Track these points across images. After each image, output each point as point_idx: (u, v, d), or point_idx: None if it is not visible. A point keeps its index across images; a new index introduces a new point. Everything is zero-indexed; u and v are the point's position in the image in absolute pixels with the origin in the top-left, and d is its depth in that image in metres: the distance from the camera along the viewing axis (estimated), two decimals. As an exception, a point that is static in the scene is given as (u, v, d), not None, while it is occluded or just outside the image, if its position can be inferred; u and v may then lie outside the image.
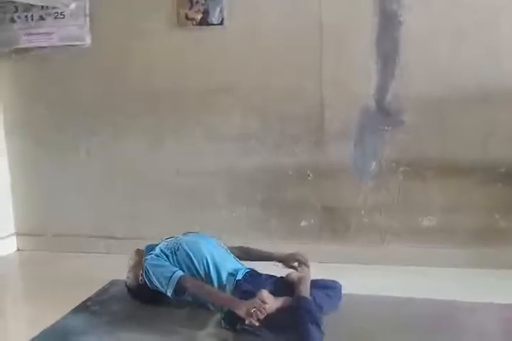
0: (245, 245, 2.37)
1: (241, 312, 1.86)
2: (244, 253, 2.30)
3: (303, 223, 2.80)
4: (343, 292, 2.17)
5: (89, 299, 2.37)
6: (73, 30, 2.91)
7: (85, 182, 3.07)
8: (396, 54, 2.59)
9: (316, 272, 2.19)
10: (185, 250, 2.16)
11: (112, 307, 2.26)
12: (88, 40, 2.90)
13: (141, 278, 2.19)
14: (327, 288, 2.12)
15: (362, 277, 2.42)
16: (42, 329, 2.06)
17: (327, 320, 1.91)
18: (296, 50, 2.67)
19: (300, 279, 2.06)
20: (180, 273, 2.07)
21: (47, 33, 2.95)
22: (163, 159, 2.93)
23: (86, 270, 2.73)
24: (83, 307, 2.28)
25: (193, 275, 2.11)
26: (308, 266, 2.18)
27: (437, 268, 2.51)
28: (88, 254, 2.98)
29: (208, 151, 2.86)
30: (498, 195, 2.58)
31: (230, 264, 2.15)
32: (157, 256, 2.16)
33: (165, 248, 2.21)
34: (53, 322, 2.13)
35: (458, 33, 2.51)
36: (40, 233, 3.15)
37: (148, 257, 2.17)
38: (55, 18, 2.92)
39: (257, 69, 2.72)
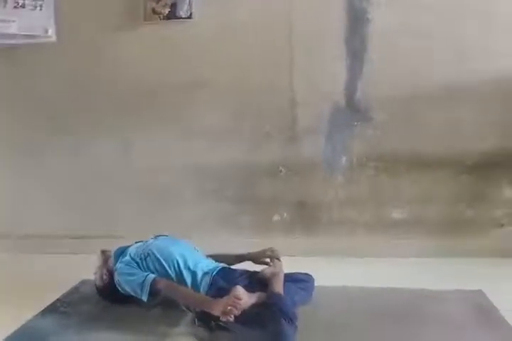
0: (214, 251, 2.31)
1: (217, 311, 1.84)
2: (214, 260, 2.26)
3: (275, 218, 2.82)
4: (316, 284, 2.18)
5: (59, 300, 2.33)
6: (36, 20, 2.80)
7: (52, 182, 3.00)
8: (364, 51, 2.63)
9: (289, 266, 2.19)
10: (155, 255, 2.13)
11: (83, 308, 2.23)
12: (53, 34, 2.80)
13: (106, 277, 2.18)
14: (300, 281, 2.14)
15: (334, 269, 2.45)
16: (12, 331, 2.01)
17: (301, 313, 1.92)
18: (267, 46, 2.68)
19: (273, 275, 2.06)
20: (152, 276, 2.05)
21: (5, 21, 2.79)
22: (134, 157, 2.89)
23: (55, 270, 2.67)
24: (53, 308, 2.24)
25: (166, 278, 2.08)
26: (279, 261, 2.19)
27: (408, 259, 2.55)
28: (56, 255, 2.90)
29: (180, 148, 2.84)
30: (464, 187, 2.66)
31: (203, 264, 2.13)
32: (127, 264, 2.12)
33: (134, 254, 2.17)
34: (23, 323, 2.08)
35: (424, 32, 2.56)
36: (4, 235, 3.06)
37: (118, 266, 2.14)
38: (15, 7, 2.78)
39: (228, 65, 2.72)
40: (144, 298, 2.03)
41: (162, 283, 2.03)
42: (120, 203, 2.94)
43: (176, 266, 2.08)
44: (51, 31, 2.80)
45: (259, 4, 2.65)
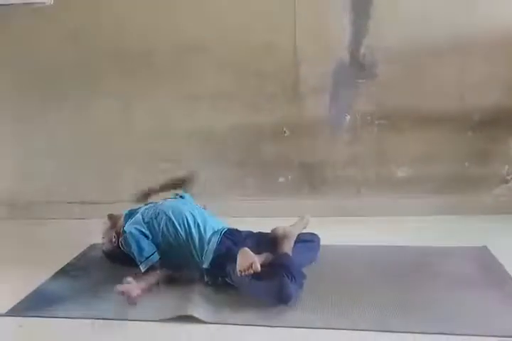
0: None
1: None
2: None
3: (280, 179, 2.81)
4: (322, 244, 2.21)
5: (69, 264, 2.37)
6: None
7: (55, 147, 2.97)
8: (369, 6, 2.53)
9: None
10: (165, 213, 2.15)
11: (92, 271, 2.27)
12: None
13: (114, 240, 2.20)
14: (306, 241, 2.16)
15: (340, 229, 2.47)
16: (24, 296, 2.06)
17: (308, 271, 1.96)
18: (270, 4, 2.57)
19: (284, 235, 2.09)
20: (156, 257, 2.08)
21: None
22: (135, 121, 2.85)
23: (63, 235, 2.70)
24: (64, 272, 2.28)
25: (175, 237, 2.10)
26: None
27: (412, 217, 2.58)
28: (64, 220, 2.93)
29: (182, 111, 2.79)
30: (470, 144, 2.63)
31: (212, 223, 2.16)
32: (136, 226, 2.13)
33: (145, 214, 2.19)
34: (34, 287, 2.13)
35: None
36: (11, 201, 3.07)
37: (128, 229, 2.13)
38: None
39: (229, 25, 2.62)
40: (142, 268, 2.06)
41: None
42: (125, 168, 2.92)
43: (185, 223, 2.11)
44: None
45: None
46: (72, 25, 2.75)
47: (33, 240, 2.71)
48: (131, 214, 2.25)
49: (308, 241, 2.17)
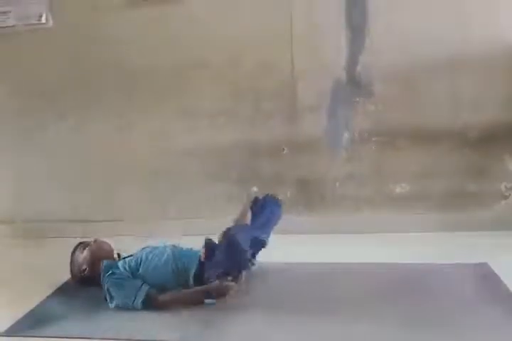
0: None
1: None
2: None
3: (279, 197, 2.80)
4: (320, 261, 2.19)
5: (67, 282, 2.33)
6: (32, 8, 2.77)
7: (56, 166, 2.99)
8: (365, 24, 2.58)
9: (294, 244, 2.21)
10: (147, 262, 2.11)
11: (90, 290, 2.21)
12: (50, 19, 2.76)
13: (85, 268, 2.17)
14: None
15: (340, 246, 2.46)
16: (21, 315, 2.03)
17: (308, 289, 1.96)
18: (266, 22, 2.63)
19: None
20: (146, 286, 2.03)
21: (2, 13, 2.80)
22: (135, 139, 2.87)
23: (63, 254, 2.67)
24: (62, 291, 2.26)
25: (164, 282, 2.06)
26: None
27: (411, 234, 2.57)
28: (64, 239, 2.92)
29: (180, 129, 2.81)
30: (467, 160, 2.64)
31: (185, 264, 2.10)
32: (113, 274, 2.08)
33: (127, 266, 2.13)
34: (32, 307, 2.10)
35: (426, 2, 2.52)
36: (10, 220, 3.07)
37: (106, 279, 2.09)
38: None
39: (226, 41, 2.67)
40: (137, 305, 1.99)
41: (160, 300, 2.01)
42: (126, 187, 2.93)
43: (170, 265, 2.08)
44: (49, 17, 2.77)
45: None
46: (70, 44, 2.80)
47: (32, 259, 2.70)
48: (110, 267, 2.15)
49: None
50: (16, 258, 2.75)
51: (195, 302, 2.00)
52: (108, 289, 2.06)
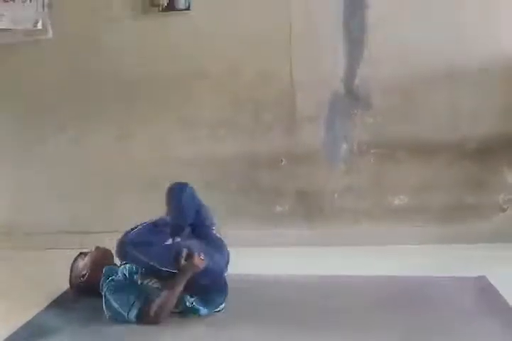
0: None
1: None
2: None
3: (278, 208, 2.82)
4: (320, 274, 2.18)
5: (65, 293, 2.32)
6: (28, 14, 2.76)
7: (55, 176, 2.99)
8: (363, 36, 2.61)
9: (293, 256, 2.20)
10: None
11: (88, 301, 2.20)
12: (47, 28, 2.78)
13: (85, 273, 2.17)
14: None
15: (339, 259, 2.45)
16: (18, 327, 2.02)
17: (307, 304, 1.93)
18: (265, 33, 2.65)
19: None
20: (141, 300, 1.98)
21: None
22: (135, 150, 2.88)
23: (61, 265, 2.67)
24: (58, 303, 2.24)
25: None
26: None
27: (410, 246, 2.57)
28: (63, 250, 2.91)
29: (180, 139, 2.83)
30: (466, 173, 2.65)
31: None
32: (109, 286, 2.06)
33: (127, 272, 2.11)
34: (29, 318, 2.09)
35: (424, 15, 2.54)
36: (9, 231, 3.07)
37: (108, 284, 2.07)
38: (5, 1, 2.75)
39: (226, 54, 2.69)
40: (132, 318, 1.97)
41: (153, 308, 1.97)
42: (125, 197, 2.93)
43: None
44: (40, 23, 2.77)
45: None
46: (71, 55, 2.82)
47: (30, 270, 2.68)
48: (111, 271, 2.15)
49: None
50: (14, 270, 2.74)
51: (179, 293, 1.96)
52: (105, 296, 2.04)
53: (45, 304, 2.22)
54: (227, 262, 2.11)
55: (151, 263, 2.00)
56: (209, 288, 2.00)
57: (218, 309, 2.01)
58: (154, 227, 2.12)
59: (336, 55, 2.63)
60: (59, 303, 2.25)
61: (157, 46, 2.74)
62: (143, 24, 2.74)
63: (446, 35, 2.55)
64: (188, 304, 1.96)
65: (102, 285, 2.08)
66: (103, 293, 2.05)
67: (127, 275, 2.10)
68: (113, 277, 2.09)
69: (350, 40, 2.62)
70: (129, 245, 2.04)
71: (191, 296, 1.97)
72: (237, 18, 2.66)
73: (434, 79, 2.59)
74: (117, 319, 1.99)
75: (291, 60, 2.66)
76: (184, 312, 1.99)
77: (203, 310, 1.98)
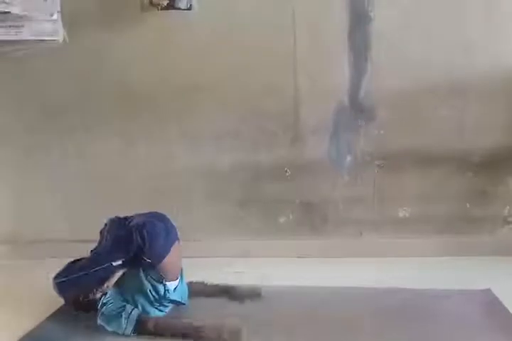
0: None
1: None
2: None
3: (281, 219, 2.81)
4: (323, 285, 2.17)
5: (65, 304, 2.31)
6: (46, 25, 2.78)
7: (58, 185, 2.99)
8: (368, 49, 2.62)
9: (296, 267, 2.18)
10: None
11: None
12: (61, 37, 2.78)
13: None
14: None
15: (342, 270, 2.44)
16: (19, 337, 2.02)
17: (307, 314, 1.92)
18: (270, 45, 2.65)
19: None
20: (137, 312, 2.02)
21: (16, 26, 2.75)
22: (139, 160, 2.88)
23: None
24: (59, 314, 2.23)
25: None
26: None
27: (414, 258, 2.55)
28: (65, 259, 2.90)
29: (184, 151, 2.82)
30: (470, 184, 2.64)
31: None
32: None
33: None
34: (30, 328, 2.08)
35: (428, 28, 2.55)
36: (11, 240, 3.06)
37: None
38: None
39: (229, 64, 2.69)
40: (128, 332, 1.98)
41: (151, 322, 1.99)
42: (128, 207, 2.91)
43: None
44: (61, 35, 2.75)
45: (262, -1, 2.62)
46: (78, 66, 2.82)
47: (31, 280, 2.67)
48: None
49: None
50: (16, 279, 2.73)
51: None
52: (101, 311, 2.05)
53: (48, 314, 2.22)
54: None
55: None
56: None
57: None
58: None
59: (341, 66, 2.64)
60: (62, 313, 2.23)
61: (161, 57, 2.74)
62: (146, 35, 2.72)
63: (450, 48, 2.56)
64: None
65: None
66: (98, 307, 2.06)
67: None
68: (103, 310, 2.06)
69: (355, 52, 2.63)
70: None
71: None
72: (241, 30, 2.66)
73: (438, 92, 2.60)
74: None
75: (295, 71, 2.67)
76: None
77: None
